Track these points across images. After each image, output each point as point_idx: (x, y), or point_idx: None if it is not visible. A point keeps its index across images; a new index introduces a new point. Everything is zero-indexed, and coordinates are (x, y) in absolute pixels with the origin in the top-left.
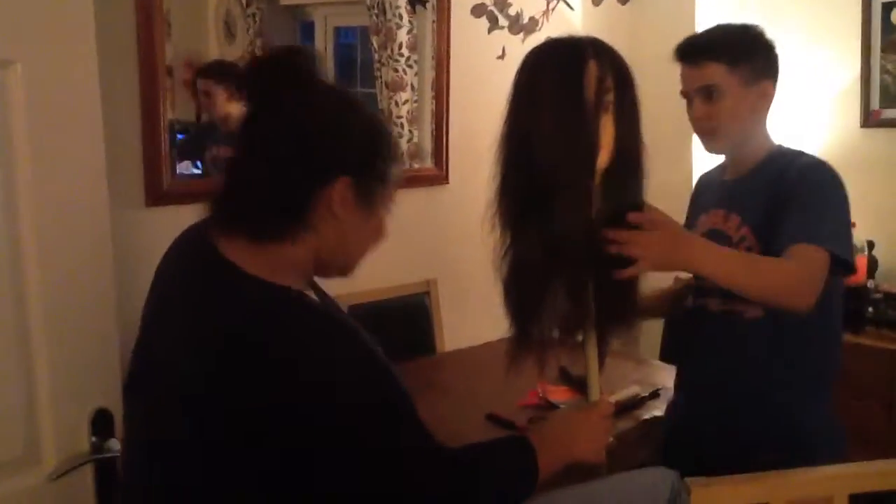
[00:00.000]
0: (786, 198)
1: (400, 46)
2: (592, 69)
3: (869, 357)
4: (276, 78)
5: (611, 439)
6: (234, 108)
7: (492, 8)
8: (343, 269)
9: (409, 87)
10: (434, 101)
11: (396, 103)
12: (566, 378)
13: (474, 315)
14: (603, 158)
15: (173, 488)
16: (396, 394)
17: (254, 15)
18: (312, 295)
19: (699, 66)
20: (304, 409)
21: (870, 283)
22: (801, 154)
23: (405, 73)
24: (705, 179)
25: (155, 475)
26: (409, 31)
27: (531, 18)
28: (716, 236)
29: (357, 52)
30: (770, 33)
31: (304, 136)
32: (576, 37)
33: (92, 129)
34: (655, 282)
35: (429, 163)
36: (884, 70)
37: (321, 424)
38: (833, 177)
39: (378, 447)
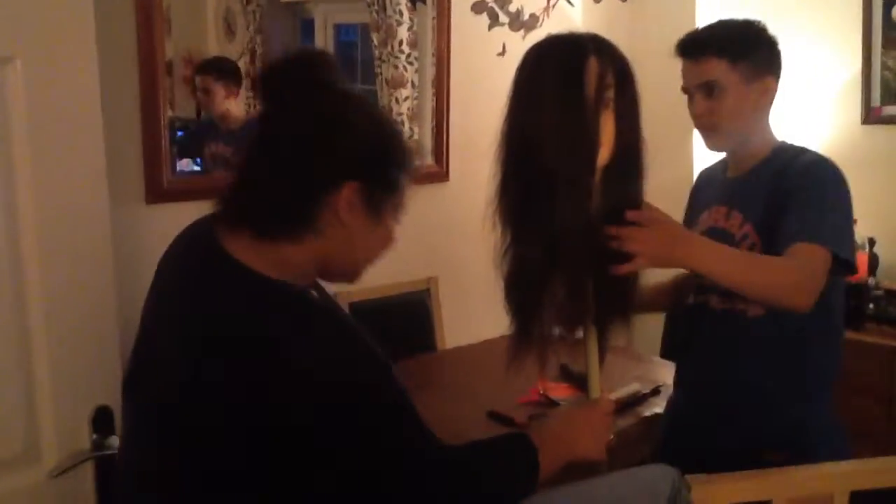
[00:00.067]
0: (788, 195)
1: (400, 43)
2: (593, 66)
3: (869, 354)
4: (291, 80)
5: (611, 436)
6: (233, 105)
7: (492, 5)
8: (349, 275)
9: (409, 84)
10: (434, 98)
11: (397, 100)
12: (567, 375)
13: (475, 312)
14: (603, 155)
15: (169, 485)
16: (396, 393)
17: (254, 12)
18: (313, 293)
19: (700, 62)
20: (304, 408)
21: (870, 280)
22: (803, 151)
23: (406, 70)
24: (706, 175)
25: (150, 472)
26: (410, 28)
27: (532, 15)
28: (717, 234)
29: (357, 49)
30: (771, 30)
31: (312, 139)
32: (576, 33)
33: (92, 126)
34: (656, 276)
35: (429, 160)
36: (885, 67)
37: (321, 423)
38: (836, 174)
39: (378, 446)
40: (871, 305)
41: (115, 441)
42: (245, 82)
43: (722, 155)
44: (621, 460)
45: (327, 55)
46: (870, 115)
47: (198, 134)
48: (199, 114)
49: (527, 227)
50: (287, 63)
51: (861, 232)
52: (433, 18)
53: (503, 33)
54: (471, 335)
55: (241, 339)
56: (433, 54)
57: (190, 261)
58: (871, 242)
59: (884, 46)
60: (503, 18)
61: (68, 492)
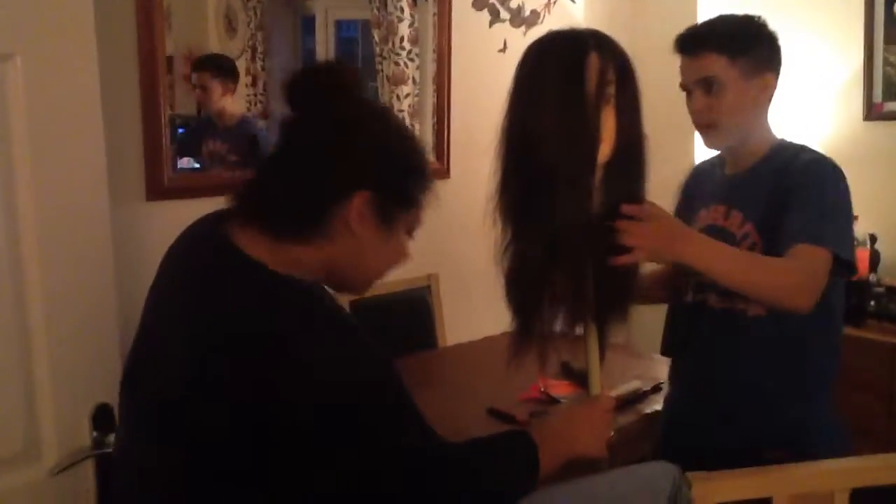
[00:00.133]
0: (789, 195)
1: (401, 40)
2: (594, 61)
3: (870, 351)
4: (315, 88)
5: (612, 433)
6: (229, 102)
7: (493, 1)
8: (356, 286)
9: (410, 81)
10: (435, 95)
11: (398, 97)
12: (567, 372)
13: (476, 309)
14: (604, 151)
15: (170, 483)
16: (397, 391)
17: (254, 8)
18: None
19: (699, 58)
20: (305, 407)
21: (872, 277)
22: (803, 149)
23: (406, 67)
24: (701, 172)
25: (150, 469)
26: (411, 25)
27: (533, 11)
28: (716, 233)
29: (358, 45)
30: (772, 26)
31: (328, 145)
32: (577, 29)
33: (92, 123)
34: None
35: (430, 157)
36: (886, 63)
37: (321, 423)
38: (836, 174)
39: (378, 445)
40: (872, 302)
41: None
42: (246, 79)
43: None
44: (622, 457)
45: (354, 67)
46: (871, 112)
47: (197, 131)
48: (199, 111)
49: (527, 224)
50: (313, 72)
51: (862, 228)
52: (434, 15)
53: (504, 30)
54: (471, 332)
55: (248, 335)
56: (434, 51)
57: (197, 255)
58: (873, 239)
59: (886, 42)
60: (504, 15)
61: (69, 489)
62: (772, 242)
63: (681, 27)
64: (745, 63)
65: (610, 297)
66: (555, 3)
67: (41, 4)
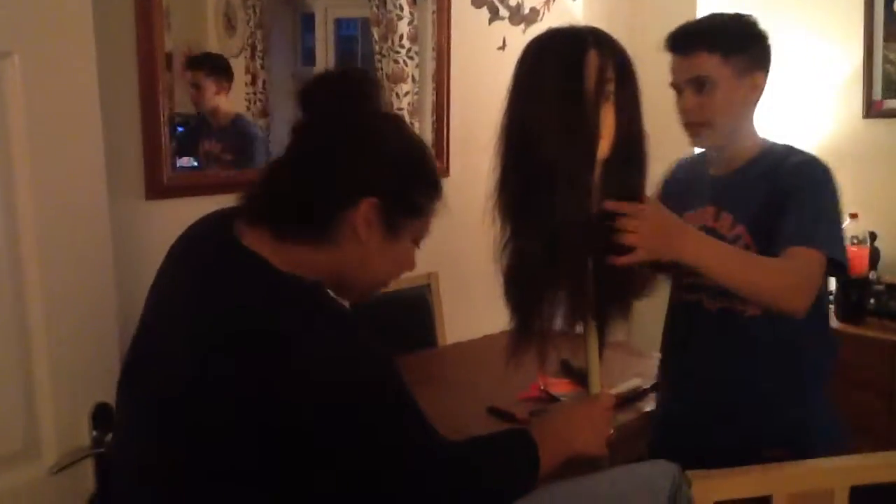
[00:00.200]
0: (782, 197)
1: (401, 38)
2: (593, 59)
3: (870, 348)
4: (328, 93)
5: (612, 431)
6: (223, 101)
7: None
8: (360, 292)
9: (409, 79)
10: (435, 93)
11: (397, 95)
12: (567, 371)
13: (475, 308)
14: (604, 149)
15: (170, 481)
16: (398, 390)
17: (254, 7)
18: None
19: (691, 57)
20: (305, 407)
21: (871, 275)
22: (791, 149)
23: (406, 65)
24: (682, 171)
25: (150, 467)
26: (410, 23)
27: (532, 9)
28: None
29: (358, 43)
30: (771, 23)
31: (338, 151)
32: (576, 26)
33: (90, 122)
34: None
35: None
36: (886, 60)
37: (321, 423)
38: (827, 175)
39: (378, 445)
40: (871, 300)
41: None
42: (245, 78)
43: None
44: (622, 455)
45: (369, 75)
46: (871, 109)
47: (196, 130)
48: (198, 110)
49: (526, 222)
50: (327, 77)
51: (862, 226)
52: (433, 13)
53: (503, 27)
54: (471, 330)
55: (249, 334)
56: (433, 49)
57: (201, 253)
58: (873, 237)
59: (885, 40)
60: (503, 12)
61: (68, 488)
62: (765, 244)
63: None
64: (736, 62)
65: (609, 294)
66: (554, 0)
67: (39, 2)
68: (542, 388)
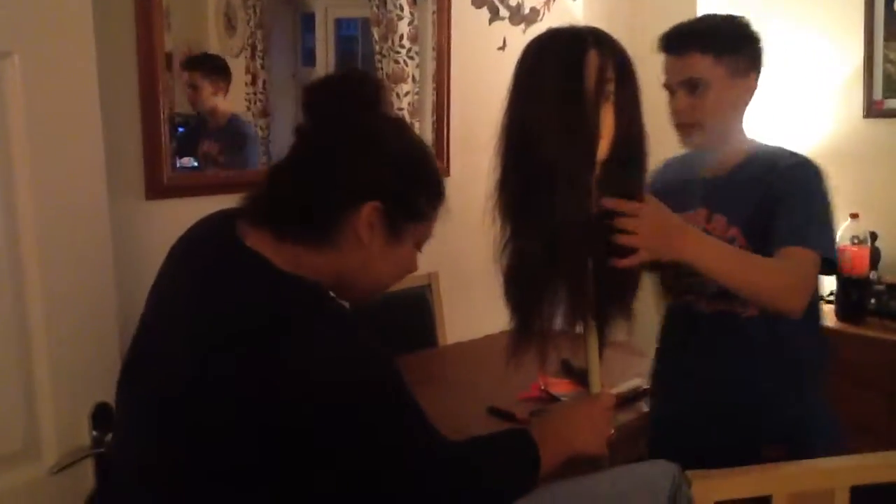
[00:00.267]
0: (776, 198)
1: (401, 38)
2: (593, 59)
3: (871, 348)
4: (332, 96)
5: (612, 431)
6: (220, 102)
7: None
8: (361, 295)
9: (410, 79)
10: (435, 93)
11: (398, 95)
12: (568, 370)
13: (476, 307)
14: (604, 149)
15: (170, 480)
16: (398, 390)
17: (254, 6)
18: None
19: (684, 57)
20: (305, 407)
21: (872, 275)
22: (782, 150)
23: (406, 65)
24: (672, 174)
25: (150, 466)
26: (410, 23)
27: (532, 9)
28: None
29: (358, 43)
30: (772, 23)
31: (340, 154)
32: (576, 26)
33: (90, 122)
34: None
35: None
36: (887, 60)
37: (321, 423)
38: (820, 176)
39: (378, 445)
40: (872, 300)
41: None
42: (246, 77)
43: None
44: (622, 455)
45: (374, 78)
46: (872, 109)
47: (196, 130)
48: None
49: (526, 221)
50: (332, 80)
51: (863, 226)
52: (433, 13)
53: (504, 27)
54: (472, 330)
55: (249, 334)
56: (434, 49)
57: (203, 252)
58: (873, 237)
59: (886, 39)
60: (504, 12)
61: (68, 488)
62: (759, 246)
63: None
64: (729, 63)
65: (609, 294)
66: (554, 0)
67: (39, 2)
68: (542, 387)
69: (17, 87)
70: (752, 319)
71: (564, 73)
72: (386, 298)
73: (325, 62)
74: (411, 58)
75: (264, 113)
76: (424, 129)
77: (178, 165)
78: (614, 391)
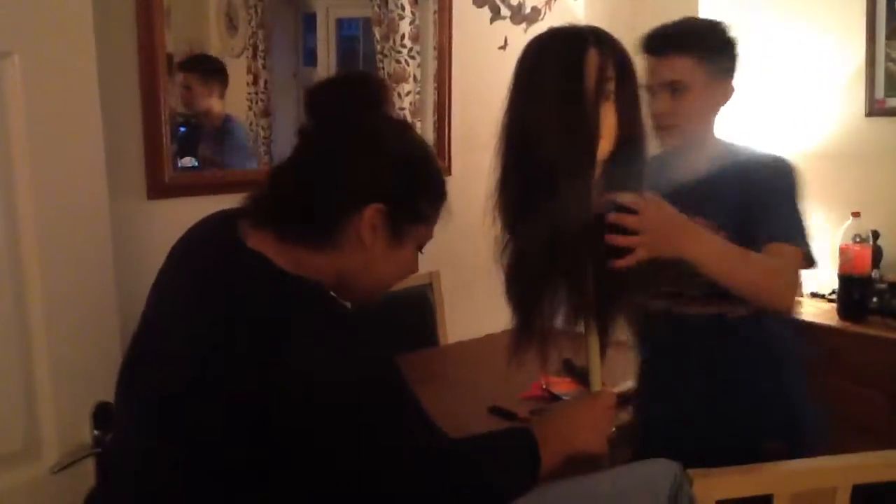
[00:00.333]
0: (759, 196)
1: (402, 37)
2: (593, 58)
3: (873, 347)
4: (335, 98)
5: (613, 430)
6: (214, 104)
7: None
8: (362, 296)
9: (411, 79)
10: (436, 93)
11: (399, 95)
12: (569, 369)
13: (477, 307)
14: (604, 148)
15: (170, 478)
16: (399, 390)
17: (255, 6)
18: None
19: (668, 59)
20: (308, 405)
21: (874, 273)
22: (753, 149)
23: (407, 65)
24: (650, 175)
25: (147, 467)
26: (412, 22)
27: (533, 8)
28: None
29: (359, 43)
30: (774, 21)
31: (342, 156)
32: (577, 26)
33: (91, 122)
34: None
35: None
36: (888, 58)
37: (323, 420)
38: (795, 171)
39: (379, 444)
40: (874, 299)
41: None
42: (247, 77)
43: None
44: (622, 454)
45: (377, 79)
46: (874, 108)
47: (196, 130)
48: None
49: (527, 221)
50: (334, 81)
51: (864, 225)
52: (435, 12)
53: (505, 27)
54: (473, 329)
55: (249, 334)
56: (435, 48)
57: (205, 252)
58: (875, 235)
59: (888, 38)
60: (505, 12)
61: (69, 487)
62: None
63: None
64: (711, 67)
65: (610, 293)
66: (555, 0)
67: (40, 2)
68: (543, 387)
69: (17, 87)
70: (743, 320)
71: (565, 72)
72: (387, 298)
73: (326, 62)
74: (412, 57)
75: (266, 113)
76: (426, 129)
77: (179, 165)
78: (616, 390)
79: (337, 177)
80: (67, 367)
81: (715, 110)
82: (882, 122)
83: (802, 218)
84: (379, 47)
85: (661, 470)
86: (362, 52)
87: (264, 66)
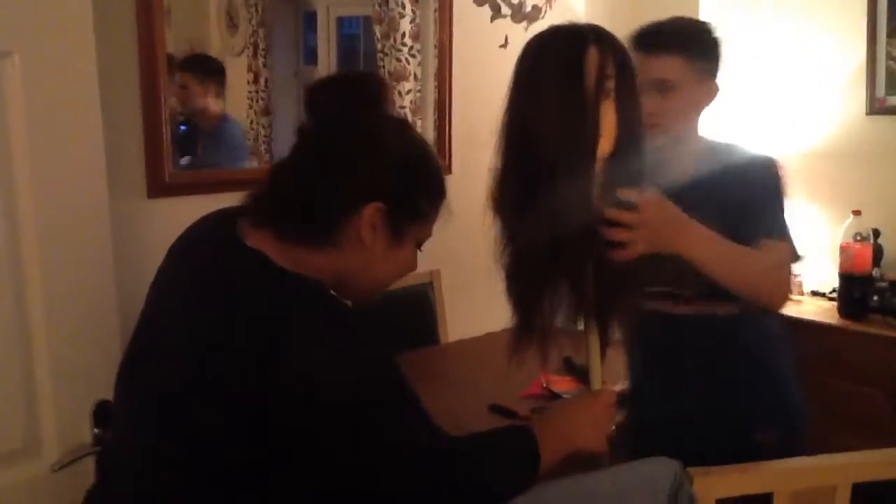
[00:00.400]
0: (752, 196)
1: (403, 36)
2: (593, 55)
3: (873, 345)
4: (335, 97)
5: (613, 428)
6: (210, 103)
7: None
8: (362, 294)
9: (412, 77)
10: (437, 91)
11: (400, 93)
12: (569, 368)
13: (477, 305)
14: (604, 146)
15: (170, 476)
16: (399, 389)
17: (256, 5)
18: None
19: (658, 57)
20: (308, 405)
21: (875, 272)
22: (736, 147)
23: (408, 63)
24: None
25: (147, 465)
26: (412, 21)
27: (534, 7)
28: None
29: (360, 42)
30: (775, 20)
31: (342, 155)
32: (577, 24)
33: (91, 121)
34: None
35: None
36: (889, 57)
37: (322, 420)
38: (778, 167)
39: (379, 444)
40: (874, 297)
41: None
42: (248, 76)
43: None
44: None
45: (377, 78)
46: (874, 106)
47: (196, 129)
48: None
49: (527, 219)
50: (334, 80)
51: (865, 223)
52: (435, 11)
53: (505, 25)
54: (473, 328)
55: (251, 332)
56: (435, 47)
57: (204, 251)
58: (876, 234)
59: (889, 36)
60: (505, 10)
61: (69, 486)
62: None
63: None
64: (699, 67)
65: (610, 292)
66: None
67: (39, 1)
68: (544, 385)
69: (17, 87)
70: (733, 318)
71: (565, 70)
72: (387, 296)
73: (327, 60)
74: (413, 56)
75: (266, 111)
76: (426, 127)
77: (180, 163)
78: (616, 389)
79: (337, 176)
80: (67, 365)
81: (699, 109)
82: (883, 121)
83: (785, 216)
84: (379, 46)
85: (661, 469)
86: (363, 51)
87: (265, 65)
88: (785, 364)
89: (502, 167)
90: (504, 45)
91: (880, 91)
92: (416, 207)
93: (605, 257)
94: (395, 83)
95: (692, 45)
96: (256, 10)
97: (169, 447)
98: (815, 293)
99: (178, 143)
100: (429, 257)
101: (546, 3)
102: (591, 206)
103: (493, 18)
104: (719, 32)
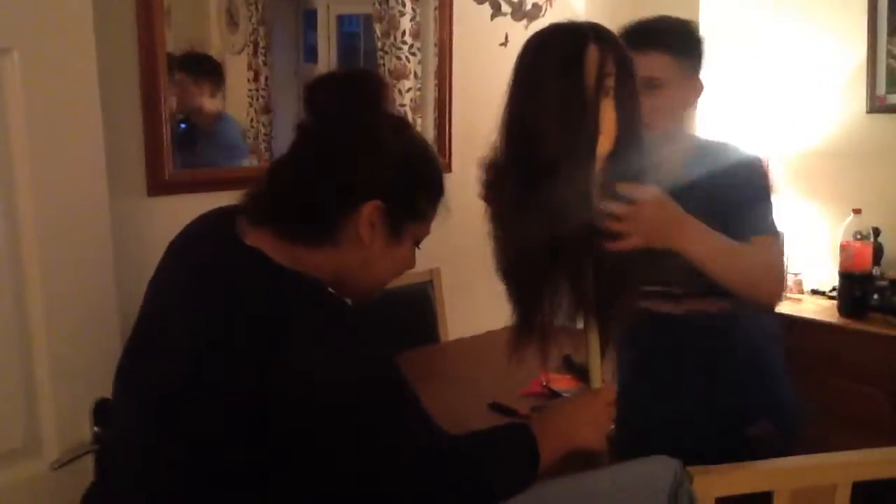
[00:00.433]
0: (742, 194)
1: (403, 34)
2: (593, 53)
3: (873, 344)
4: (334, 95)
5: (612, 426)
6: (207, 102)
7: None
8: (361, 293)
9: (412, 75)
10: (437, 89)
11: (400, 91)
12: (569, 366)
13: (477, 304)
14: (603, 143)
15: (169, 475)
16: (399, 389)
17: (256, 3)
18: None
19: (646, 55)
20: (307, 404)
21: (875, 271)
22: (727, 145)
23: (408, 61)
24: None
25: (146, 464)
26: (412, 19)
27: (534, 5)
28: None
29: (360, 40)
30: (775, 19)
31: (341, 154)
32: (576, 21)
33: (91, 120)
34: None
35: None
36: (890, 55)
37: (322, 420)
38: (765, 167)
39: (379, 444)
40: (874, 296)
41: None
42: (248, 74)
43: None
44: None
45: (377, 76)
46: (875, 104)
47: (195, 128)
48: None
49: (526, 217)
50: (334, 78)
51: (865, 222)
52: (435, 9)
53: (506, 23)
54: (473, 326)
55: (250, 331)
56: (436, 45)
57: (203, 250)
58: (876, 232)
59: (889, 34)
60: (505, 8)
61: (69, 484)
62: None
63: None
64: (686, 65)
65: (610, 290)
66: None
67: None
68: (544, 383)
69: (16, 85)
70: (728, 316)
71: (564, 67)
72: (387, 294)
73: (327, 59)
74: (413, 54)
75: (266, 110)
76: (426, 126)
77: (179, 162)
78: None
79: (336, 174)
80: (67, 365)
81: (687, 107)
82: (883, 119)
83: (773, 212)
84: (379, 44)
85: (660, 467)
86: (363, 49)
87: (265, 63)
88: (777, 361)
89: (501, 165)
90: (504, 44)
91: (881, 89)
92: (414, 206)
93: (605, 255)
94: (395, 81)
95: (678, 42)
96: (257, 8)
97: (168, 447)
98: (815, 292)
99: (180, 140)
100: (429, 256)
101: (546, 1)
102: (590, 204)
103: (493, 16)
104: (699, 32)
